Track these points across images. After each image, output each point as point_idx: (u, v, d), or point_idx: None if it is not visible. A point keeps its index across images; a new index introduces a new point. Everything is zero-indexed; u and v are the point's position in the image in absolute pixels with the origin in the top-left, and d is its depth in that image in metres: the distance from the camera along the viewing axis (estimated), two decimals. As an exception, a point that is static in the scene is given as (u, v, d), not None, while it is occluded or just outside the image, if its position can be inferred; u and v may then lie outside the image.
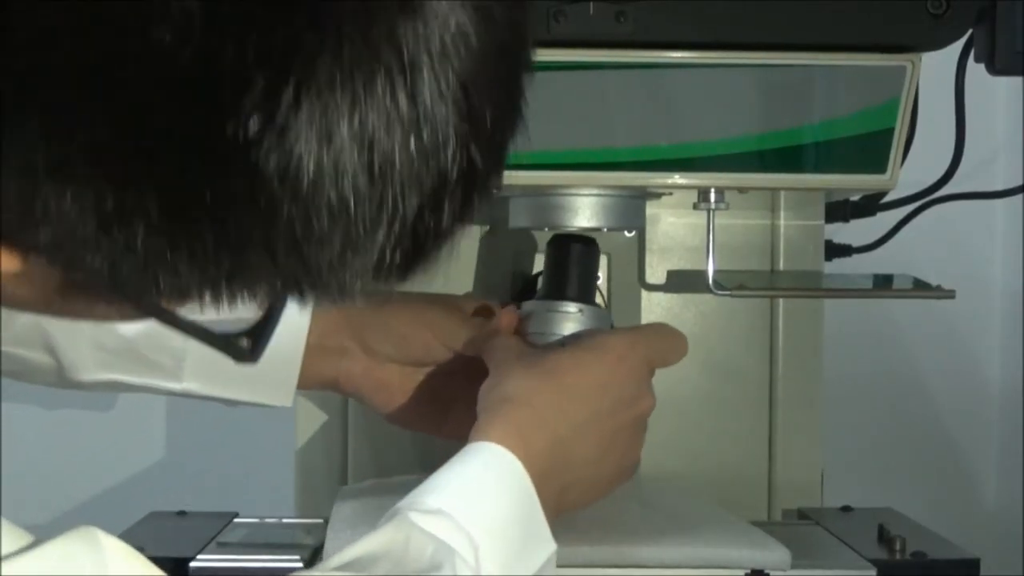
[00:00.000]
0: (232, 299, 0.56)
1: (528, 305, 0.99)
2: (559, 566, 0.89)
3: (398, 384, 1.01)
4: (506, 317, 0.98)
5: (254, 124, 0.50)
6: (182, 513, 1.11)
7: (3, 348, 0.94)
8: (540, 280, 1.03)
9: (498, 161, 0.59)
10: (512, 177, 0.94)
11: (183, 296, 0.55)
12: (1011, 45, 0.93)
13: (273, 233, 0.53)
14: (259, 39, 0.49)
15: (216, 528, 1.04)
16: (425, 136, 0.53)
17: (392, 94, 0.52)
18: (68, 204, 0.51)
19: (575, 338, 0.95)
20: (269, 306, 0.62)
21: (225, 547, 0.99)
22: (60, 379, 0.98)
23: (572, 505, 0.88)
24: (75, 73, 0.49)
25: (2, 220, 0.52)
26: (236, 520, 1.08)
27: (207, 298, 0.55)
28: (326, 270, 0.55)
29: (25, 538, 0.57)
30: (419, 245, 0.56)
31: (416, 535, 0.76)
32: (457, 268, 1.05)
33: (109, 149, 0.50)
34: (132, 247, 0.52)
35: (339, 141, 0.51)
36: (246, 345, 0.63)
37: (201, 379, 0.97)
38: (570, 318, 0.97)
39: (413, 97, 0.52)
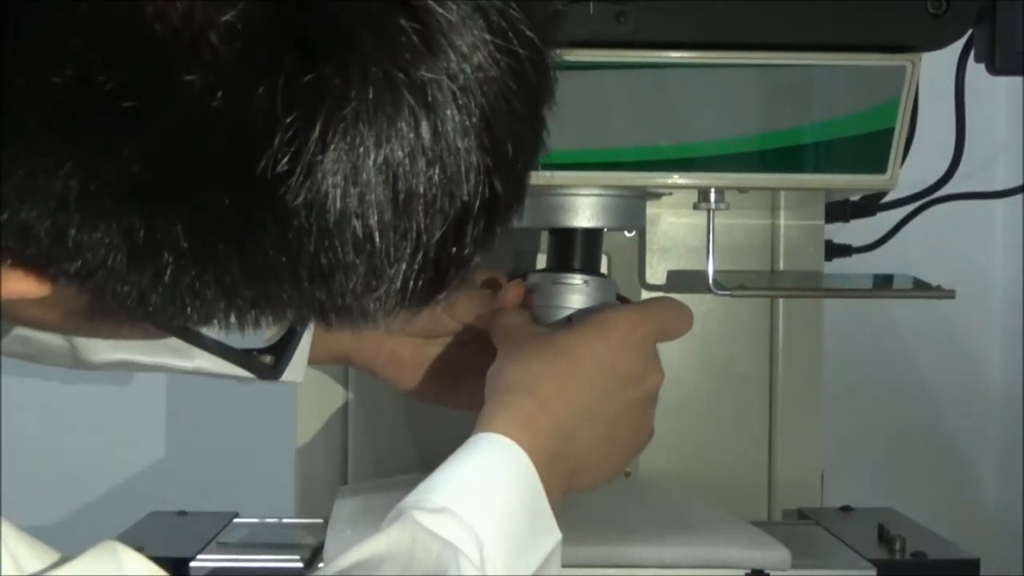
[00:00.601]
0: (256, 323, 0.57)
1: (534, 277, 0.99)
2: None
3: (409, 357, 1.02)
4: (513, 290, 0.98)
5: (283, 162, 0.51)
6: (182, 513, 1.11)
7: (19, 331, 0.94)
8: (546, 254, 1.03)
9: (519, 191, 0.60)
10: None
11: (209, 320, 0.56)
12: (1011, 45, 0.93)
13: (299, 264, 0.54)
14: (287, 82, 0.50)
15: (216, 528, 1.04)
16: (448, 169, 0.54)
17: (416, 129, 0.53)
18: (98, 236, 0.52)
19: (581, 315, 0.95)
20: (288, 329, 0.64)
21: (225, 547, 0.99)
22: (75, 360, 0.98)
23: (583, 488, 0.89)
24: (107, 108, 0.50)
25: (32, 249, 0.53)
26: (236, 520, 1.08)
27: (232, 321, 0.56)
28: (350, 298, 0.56)
29: (51, 555, 0.58)
30: (441, 273, 0.57)
31: (421, 536, 0.76)
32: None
33: (140, 183, 0.51)
34: (160, 277, 0.53)
35: (365, 176, 0.53)
36: (269, 361, 0.65)
37: (212, 358, 0.96)
38: (576, 289, 0.97)
39: (436, 132, 0.53)
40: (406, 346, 1.01)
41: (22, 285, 0.55)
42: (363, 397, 1.14)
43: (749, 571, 0.91)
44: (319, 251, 0.53)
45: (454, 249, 0.57)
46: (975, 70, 0.98)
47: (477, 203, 0.56)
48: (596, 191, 0.98)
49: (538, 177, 0.94)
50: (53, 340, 0.97)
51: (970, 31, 0.95)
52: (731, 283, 1.02)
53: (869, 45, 0.92)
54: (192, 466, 1.81)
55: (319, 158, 0.51)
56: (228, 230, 0.52)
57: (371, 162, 0.52)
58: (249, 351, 0.64)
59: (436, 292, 0.59)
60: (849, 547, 0.99)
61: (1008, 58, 0.94)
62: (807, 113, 0.94)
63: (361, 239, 0.54)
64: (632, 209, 1.01)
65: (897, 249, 1.21)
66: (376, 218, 0.53)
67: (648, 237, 1.15)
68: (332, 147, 0.51)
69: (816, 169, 0.95)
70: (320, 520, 1.04)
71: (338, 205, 0.52)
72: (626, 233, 1.04)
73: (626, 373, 0.89)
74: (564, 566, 0.89)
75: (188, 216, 0.52)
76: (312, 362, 1.01)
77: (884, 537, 1.00)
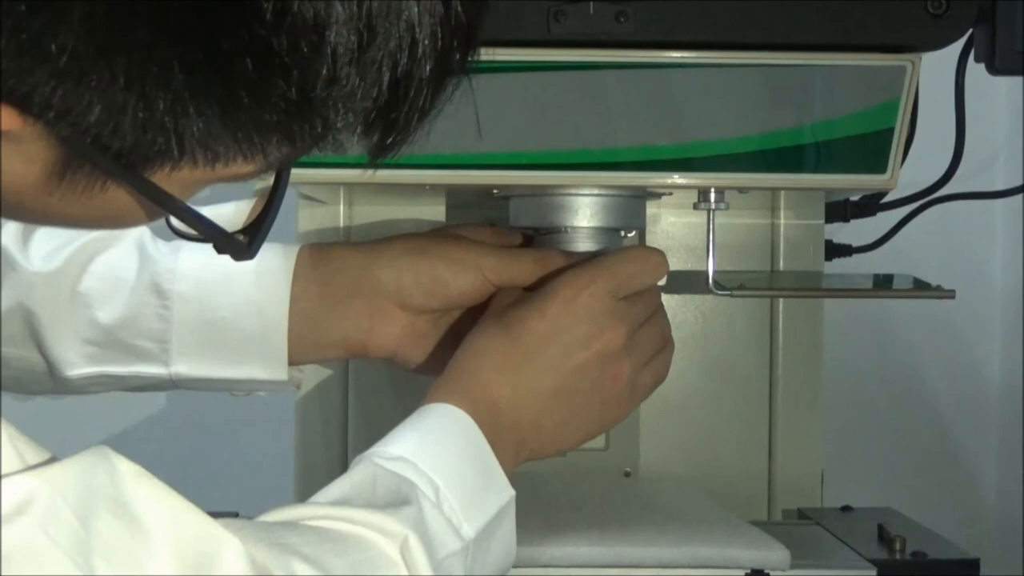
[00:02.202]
0: (226, 157, 0.59)
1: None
2: (559, 567, 0.89)
3: (434, 334, 0.97)
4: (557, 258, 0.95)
5: None
6: (182, 513, 1.11)
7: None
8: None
9: (478, 15, 0.62)
10: (512, 177, 0.95)
11: (182, 154, 0.58)
12: (1011, 45, 0.93)
13: (270, 70, 0.56)
14: None
15: (216, 528, 1.04)
16: None
17: None
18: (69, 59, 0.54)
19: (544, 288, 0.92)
20: (264, 205, 0.66)
21: (225, 547, 0.99)
22: (53, 380, 0.98)
23: (547, 453, 0.90)
24: None
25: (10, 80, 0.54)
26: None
27: (200, 156, 0.59)
28: (317, 104, 0.58)
29: (47, 453, 0.61)
30: (397, 101, 0.60)
31: (381, 473, 0.79)
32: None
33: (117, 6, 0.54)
34: (136, 101, 0.55)
35: None
36: (243, 240, 0.66)
37: (188, 361, 0.96)
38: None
39: None
40: (431, 324, 0.96)
41: None
42: (363, 397, 1.14)
43: (749, 571, 0.91)
44: (290, 56, 0.56)
45: (409, 71, 0.59)
46: (975, 70, 0.98)
47: (435, 22, 0.58)
48: (596, 191, 0.98)
49: (538, 177, 0.94)
50: (28, 355, 0.96)
51: (970, 31, 0.95)
52: (731, 283, 1.02)
53: (869, 45, 0.92)
54: (192, 466, 1.81)
55: None
56: (197, 39, 0.54)
57: None
58: (224, 231, 0.65)
59: (391, 127, 0.62)
60: (849, 547, 0.99)
61: (1008, 58, 0.94)
62: (807, 113, 0.94)
63: (327, 47, 0.56)
64: (632, 209, 1.01)
65: (897, 249, 1.21)
66: (343, 31, 0.56)
67: (648, 237, 1.15)
68: None
69: (816, 169, 0.95)
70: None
71: (309, 14, 0.55)
72: (626, 233, 1.04)
73: (570, 339, 0.88)
74: (564, 566, 0.89)
75: (171, 38, 0.54)
76: (317, 359, 1.00)
77: (884, 537, 1.00)
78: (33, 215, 0.64)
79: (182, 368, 0.96)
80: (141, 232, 0.97)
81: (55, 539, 0.58)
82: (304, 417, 1.15)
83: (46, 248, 0.97)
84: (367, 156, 0.65)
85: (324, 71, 0.57)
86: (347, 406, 1.15)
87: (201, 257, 0.95)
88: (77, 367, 0.96)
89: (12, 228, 0.97)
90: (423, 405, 0.86)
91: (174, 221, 0.68)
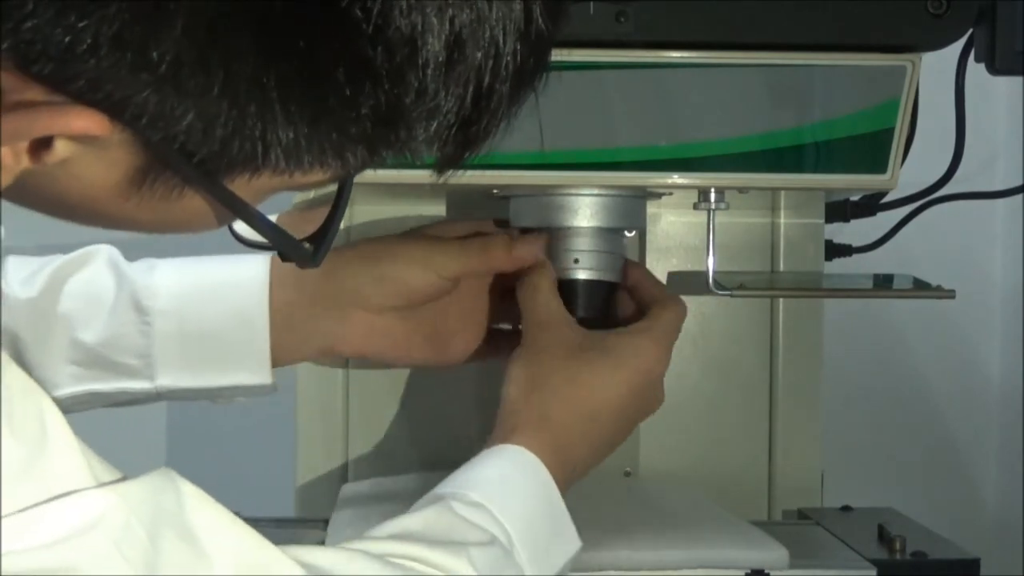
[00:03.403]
0: (307, 162, 0.60)
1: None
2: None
3: (401, 330, 1.00)
4: (531, 244, 0.99)
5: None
6: (182, 513, 1.11)
7: None
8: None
9: (555, 26, 0.63)
10: (512, 177, 0.95)
11: (266, 158, 0.58)
12: (1011, 45, 0.93)
13: (360, 77, 0.57)
14: None
15: (216, 528, 1.04)
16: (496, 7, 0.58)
17: None
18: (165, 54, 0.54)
19: (610, 339, 0.95)
20: (329, 214, 0.68)
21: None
22: None
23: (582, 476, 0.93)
24: None
25: (96, 92, 0.55)
26: (236, 520, 1.07)
27: (283, 163, 0.59)
28: (404, 116, 0.59)
29: (115, 472, 0.62)
30: (477, 117, 0.62)
31: (457, 520, 0.81)
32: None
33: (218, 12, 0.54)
34: (221, 105, 0.55)
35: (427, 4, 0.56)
36: (309, 248, 0.68)
37: (173, 373, 0.97)
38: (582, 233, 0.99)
39: None
40: (395, 320, 0.99)
41: (87, 121, 0.55)
42: (363, 397, 1.14)
43: (748, 571, 0.91)
44: (384, 68, 0.57)
45: (492, 86, 0.61)
46: (975, 70, 0.98)
47: (517, 38, 0.60)
48: (596, 191, 0.98)
49: (538, 177, 0.94)
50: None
51: (970, 31, 0.95)
52: (731, 283, 1.02)
53: (869, 45, 0.92)
54: (192, 466, 1.81)
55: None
56: (295, 49, 0.55)
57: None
58: (292, 238, 0.67)
59: (469, 140, 0.63)
60: (849, 547, 0.99)
61: (1008, 58, 0.94)
62: (807, 113, 0.94)
63: (420, 63, 0.57)
64: (632, 209, 1.01)
65: (897, 249, 1.21)
66: (435, 44, 0.57)
67: (648, 237, 1.15)
68: None
69: (816, 169, 0.95)
70: (320, 520, 1.04)
71: (403, 24, 0.56)
72: (626, 233, 1.04)
73: (636, 407, 0.94)
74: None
75: (254, 33, 0.54)
76: (291, 361, 1.01)
77: (884, 537, 1.00)
78: (101, 219, 0.64)
79: (167, 381, 0.98)
80: (112, 251, 1.00)
81: (127, 556, 0.59)
82: (304, 417, 1.15)
83: (22, 273, 0.99)
84: (435, 163, 0.67)
85: (415, 83, 0.58)
86: (347, 406, 1.15)
87: (175, 273, 0.98)
88: (63, 387, 0.97)
89: None
90: (496, 437, 0.89)
91: (238, 229, 0.69)
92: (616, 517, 0.98)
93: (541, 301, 0.96)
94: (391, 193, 1.08)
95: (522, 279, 0.97)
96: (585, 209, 0.98)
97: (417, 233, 1.03)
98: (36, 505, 0.57)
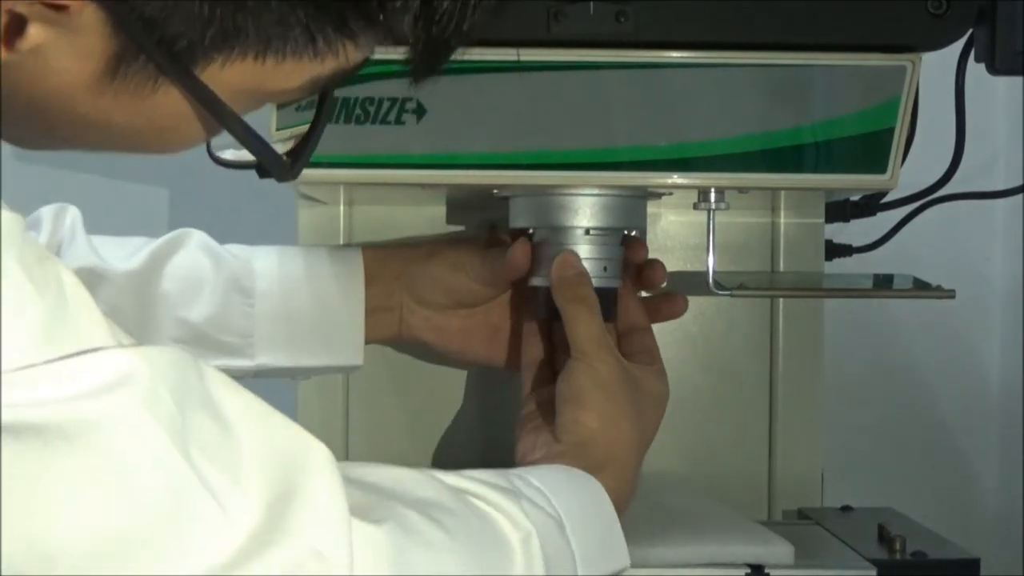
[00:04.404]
0: (292, 33, 0.61)
1: (541, 233, 1.00)
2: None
3: (457, 326, 1.07)
4: (520, 249, 1.00)
5: None
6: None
7: None
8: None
9: None
10: (512, 177, 0.95)
11: (233, 43, 0.60)
12: (1011, 45, 0.93)
13: None
14: None
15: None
16: None
17: None
18: None
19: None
20: (308, 130, 0.69)
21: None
22: None
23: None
24: None
25: None
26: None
27: (263, 44, 0.61)
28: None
29: (133, 339, 0.62)
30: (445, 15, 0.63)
31: (518, 484, 0.81)
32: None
33: None
34: None
35: None
36: (288, 161, 0.69)
37: (272, 352, 1.04)
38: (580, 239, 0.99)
39: None
40: (451, 318, 1.06)
41: None
42: (363, 397, 1.14)
43: (748, 569, 0.91)
44: None
45: None
46: (975, 70, 0.98)
47: None
48: (596, 191, 0.98)
49: (538, 177, 0.95)
50: None
51: (970, 31, 0.95)
52: (731, 283, 1.02)
53: (869, 45, 0.92)
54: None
55: None
56: None
57: None
58: (272, 148, 0.68)
59: (439, 19, 0.64)
60: (849, 547, 0.99)
61: (1008, 58, 0.94)
62: (807, 113, 0.94)
63: None
64: (632, 209, 1.01)
65: (897, 249, 1.21)
66: None
67: (648, 237, 1.15)
68: None
69: (816, 169, 0.95)
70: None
71: None
72: (626, 233, 1.04)
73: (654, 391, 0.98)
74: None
75: None
76: (374, 342, 1.07)
77: (884, 537, 1.00)
78: (81, 123, 0.64)
79: (266, 359, 1.04)
80: (202, 236, 1.06)
81: (156, 415, 0.58)
82: (304, 417, 1.15)
83: (119, 252, 1.04)
84: (413, 65, 0.68)
85: None
86: (347, 406, 1.15)
87: (276, 259, 1.05)
88: None
89: (82, 244, 1.04)
90: (552, 460, 0.90)
91: (218, 152, 0.72)
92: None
93: (582, 321, 0.96)
94: (391, 193, 1.08)
95: (565, 294, 0.97)
96: (585, 209, 0.98)
97: (463, 239, 1.11)
98: (63, 358, 0.57)
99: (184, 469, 0.59)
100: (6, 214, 0.57)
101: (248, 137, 0.66)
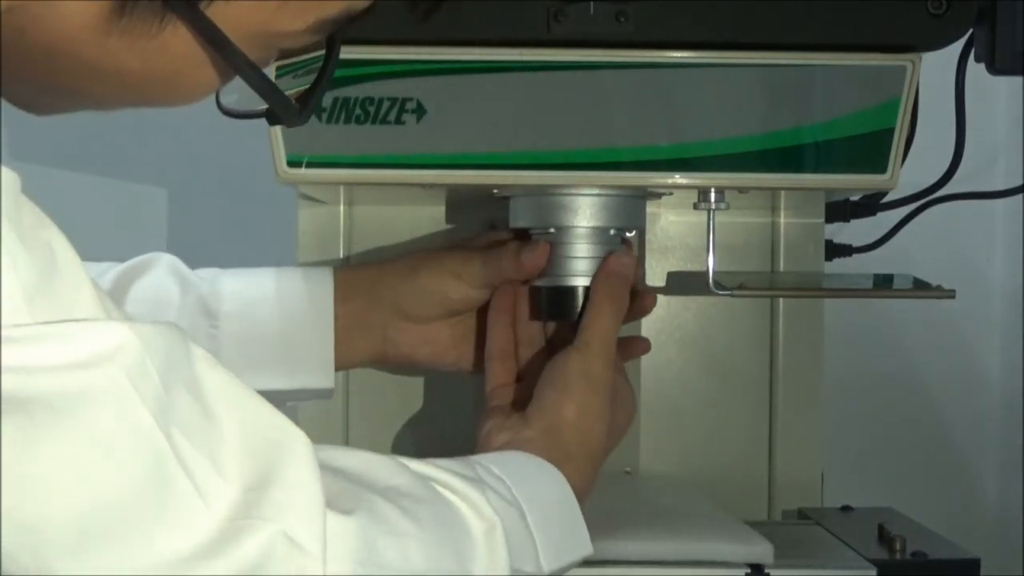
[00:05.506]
0: None
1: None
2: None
3: (448, 337, 1.04)
4: (541, 250, 0.99)
5: None
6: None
7: None
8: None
9: None
10: (512, 177, 0.95)
11: None
12: (1011, 45, 0.93)
13: None
14: None
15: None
16: None
17: None
18: None
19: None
20: (316, 77, 0.69)
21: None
22: None
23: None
24: None
25: None
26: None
27: None
28: None
29: (123, 313, 0.62)
30: None
31: (481, 473, 0.81)
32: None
33: None
34: None
35: None
36: (297, 106, 0.68)
37: (240, 375, 0.99)
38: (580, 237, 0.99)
39: None
40: (441, 329, 1.03)
41: None
42: (363, 397, 1.14)
43: (748, 568, 0.91)
44: None
45: None
46: (975, 70, 0.98)
47: None
48: (596, 191, 0.98)
49: (538, 177, 0.95)
50: None
51: (970, 31, 0.95)
52: (731, 283, 1.02)
53: (869, 45, 0.92)
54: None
55: None
56: None
57: None
58: (281, 91, 0.67)
59: None
60: (849, 547, 0.99)
61: (1008, 58, 0.94)
62: (807, 113, 0.94)
63: None
64: (632, 209, 1.01)
65: (897, 249, 1.21)
66: None
67: (648, 237, 1.15)
68: None
69: (816, 169, 0.95)
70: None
71: None
72: (626, 233, 1.04)
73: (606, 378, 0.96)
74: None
75: None
76: (347, 366, 1.04)
77: (884, 537, 1.00)
78: (89, 70, 0.64)
79: None
80: (172, 259, 1.03)
81: (142, 392, 0.58)
82: (304, 417, 1.15)
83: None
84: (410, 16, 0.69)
85: None
86: (347, 406, 1.15)
87: (242, 280, 1.02)
88: None
89: None
90: (515, 445, 0.90)
91: (226, 102, 0.71)
92: (604, 513, 0.97)
93: (612, 325, 0.96)
94: (391, 193, 1.08)
95: (606, 288, 0.97)
96: (585, 209, 0.99)
97: (452, 246, 1.07)
98: (54, 322, 0.57)
99: (165, 449, 0.59)
100: (5, 171, 0.56)
101: (256, 77, 0.66)
